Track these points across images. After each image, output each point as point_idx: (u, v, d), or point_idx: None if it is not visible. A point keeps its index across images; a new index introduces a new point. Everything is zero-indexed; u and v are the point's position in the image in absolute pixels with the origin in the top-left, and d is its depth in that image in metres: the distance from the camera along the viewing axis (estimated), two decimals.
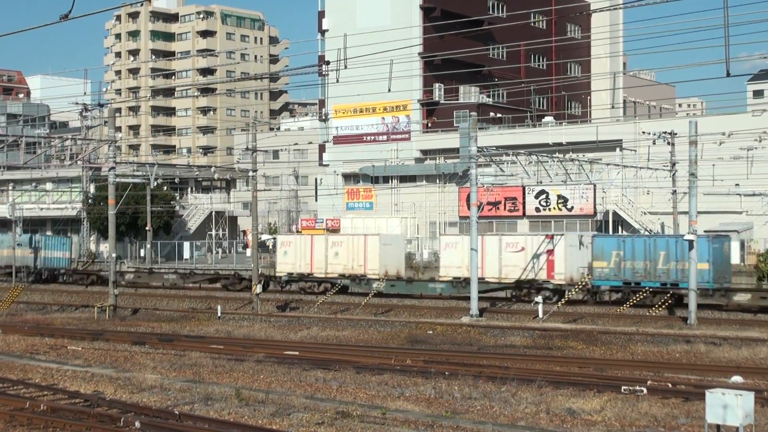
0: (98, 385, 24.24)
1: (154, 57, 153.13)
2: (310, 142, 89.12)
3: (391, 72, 45.55)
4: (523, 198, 72.04)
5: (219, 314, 45.19)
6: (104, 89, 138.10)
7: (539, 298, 43.44)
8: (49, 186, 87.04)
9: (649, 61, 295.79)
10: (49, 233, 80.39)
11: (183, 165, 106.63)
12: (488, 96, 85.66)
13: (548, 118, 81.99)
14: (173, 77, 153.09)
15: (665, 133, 55.42)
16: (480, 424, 19.26)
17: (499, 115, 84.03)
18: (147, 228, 70.96)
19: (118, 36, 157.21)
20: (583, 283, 44.58)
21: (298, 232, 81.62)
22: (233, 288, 56.73)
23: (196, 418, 19.53)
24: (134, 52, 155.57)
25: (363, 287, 51.08)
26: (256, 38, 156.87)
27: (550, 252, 45.26)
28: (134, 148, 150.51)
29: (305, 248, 52.79)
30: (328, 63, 45.21)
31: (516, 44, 78.15)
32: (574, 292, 44.34)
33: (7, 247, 67.19)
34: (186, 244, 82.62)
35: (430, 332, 38.28)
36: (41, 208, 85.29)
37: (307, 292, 52.21)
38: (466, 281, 46.62)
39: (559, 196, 70.51)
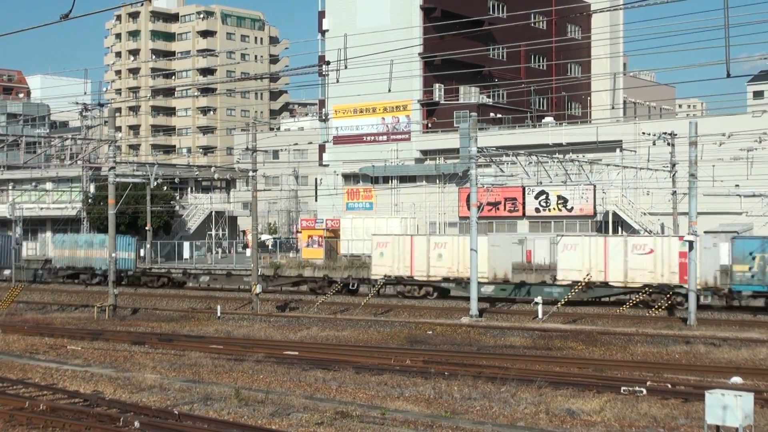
0: (98, 384, 24.24)
1: (154, 57, 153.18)
2: (310, 142, 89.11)
3: (391, 72, 45.54)
4: (523, 198, 72.03)
5: (219, 314, 45.21)
6: (104, 89, 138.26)
7: (539, 299, 43.38)
8: (49, 186, 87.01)
9: (649, 61, 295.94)
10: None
11: (183, 165, 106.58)
12: (488, 96, 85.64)
13: (548, 119, 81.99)
14: (173, 77, 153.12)
15: (665, 133, 55.43)
16: (479, 424, 19.25)
17: (499, 115, 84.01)
18: (147, 228, 70.89)
19: (118, 36, 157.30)
20: (721, 288, 42.47)
21: (298, 232, 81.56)
22: (321, 291, 53.41)
23: (195, 418, 19.53)
24: (134, 52, 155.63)
25: (469, 291, 48.30)
26: (256, 38, 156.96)
27: (683, 254, 42.35)
28: (134, 147, 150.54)
29: (404, 249, 50.38)
30: (328, 63, 45.23)
31: (516, 45, 78.15)
32: (710, 298, 42.38)
33: (69, 248, 64.89)
34: (186, 244, 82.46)
35: (430, 332, 38.29)
36: (41, 208, 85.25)
37: (406, 296, 50.08)
38: (588, 285, 44.95)
39: (559, 197, 70.50)
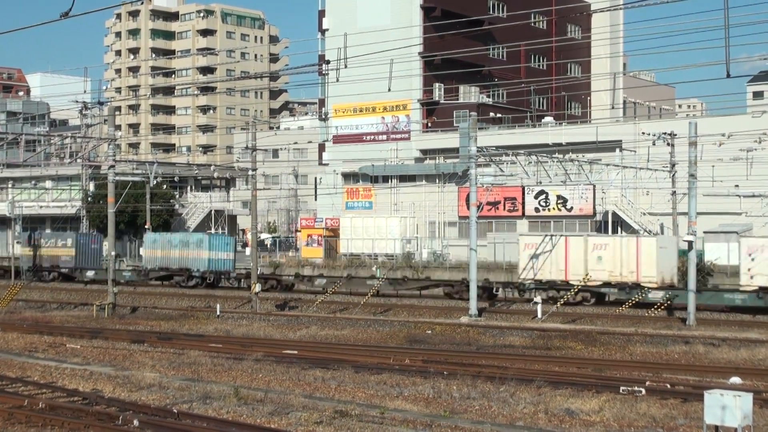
0: (97, 383, 24.22)
1: (154, 55, 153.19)
2: (310, 141, 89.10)
3: (391, 71, 45.54)
4: (523, 198, 71.99)
5: (218, 313, 45.20)
6: (104, 87, 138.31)
7: (538, 298, 43.36)
8: (48, 184, 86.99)
9: (649, 61, 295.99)
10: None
11: (182, 163, 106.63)
12: (488, 96, 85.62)
13: (548, 119, 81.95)
14: (173, 76, 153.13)
15: (665, 133, 55.43)
16: (478, 423, 19.24)
17: (498, 115, 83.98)
18: (146, 226, 70.89)
19: (118, 34, 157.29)
20: None
21: (297, 231, 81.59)
22: (457, 297, 50.04)
23: (194, 417, 19.52)
24: (134, 51, 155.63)
25: (634, 297, 44.25)
26: (256, 37, 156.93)
27: None
28: (134, 146, 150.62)
29: (558, 251, 46.75)
30: (328, 62, 45.28)
31: (516, 44, 78.09)
32: None
33: (161, 248, 60.39)
34: None
35: (429, 332, 38.29)
36: (40, 206, 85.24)
37: (573, 303, 45.73)
38: None
39: (559, 197, 70.46)
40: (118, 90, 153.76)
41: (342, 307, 47.86)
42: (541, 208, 71.70)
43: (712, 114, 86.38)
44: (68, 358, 29.56)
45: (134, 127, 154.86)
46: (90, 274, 64.68)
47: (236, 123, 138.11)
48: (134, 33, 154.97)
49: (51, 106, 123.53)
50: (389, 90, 49.40)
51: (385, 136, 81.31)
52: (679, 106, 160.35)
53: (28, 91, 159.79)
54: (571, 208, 70.25)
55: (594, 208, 69.38)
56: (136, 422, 18.52)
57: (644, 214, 67.70)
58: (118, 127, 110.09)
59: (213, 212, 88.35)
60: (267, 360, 28.85)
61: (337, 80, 47.82)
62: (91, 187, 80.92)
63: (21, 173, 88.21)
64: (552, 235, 49.30)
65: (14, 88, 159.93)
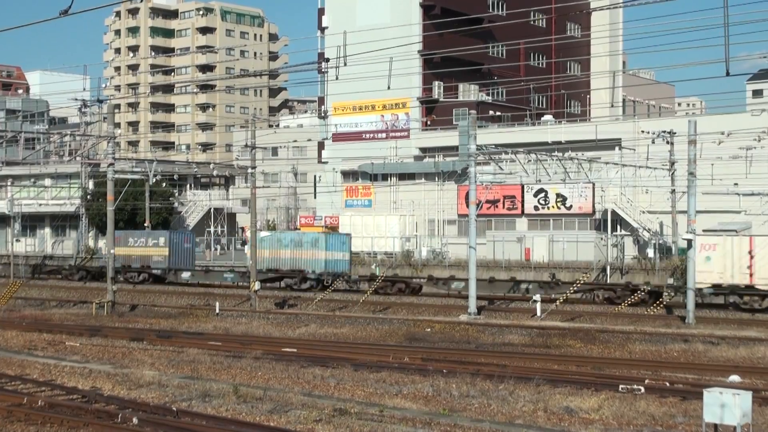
0: (96, 381, 24.23)
1: (153, 53, 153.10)
2: (309, 140, 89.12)
3: (390, 69, 45.56)
4: (522, 196, 71.99)
5: (217, 311, 45.21)
6: (103, 85, 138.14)
7: (537, 296, 43.38)
8: (47, 182, 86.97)
9: (648, 60, 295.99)
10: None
11: (182, 161, 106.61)
12: (487, 94, 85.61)
13: (547, 117, 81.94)
14: (173, 74, 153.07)
15: (664, 132, 55.51)
16: (478, 422, 19.24)
17: (498, 113, 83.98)
18: (146, 224, 70.89)
19: (117, 32, 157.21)
20: None
21: (296, 229, 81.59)
22: (620, 302, 44.55)
23: (193, 415, 19.52)
24: (134, 49, 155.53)
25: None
26: (255, 35, 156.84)
27: None
28: (133, 144, 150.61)
29: (741, 252, 42.27)
30: (327, 60, 45.37)
31: (516, 42, 78.11)
32: None
33: (269, 247, 55.91)
34: None
35: (429, 330, 38.30)
36: (40, 204, 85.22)
37: (743, 309, 42.13)
38: None
39: (558, 195, 70.46)
40: (118, 88, 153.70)
41: (341, 305, 47.87)
42: (540, 206, 71.70)
43: (712, 112, 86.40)
44: (67, 356, 29.56)
45: (133, 125, 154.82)
46: (185, 275, 60.05)
47: (235, 121, 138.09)
48: (134, 31, 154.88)
49: (50, 103, 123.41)
50: (389, 88, 49.43)
51: (384, 134, 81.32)
52: (679, 104, 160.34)
53: (27, 89, 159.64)
54: (571, 206, 70.25)
55: (593, 206, 69.38)
56: (135, 420, 18.53)
57: (643, 212, 67.72)
58: (118, 125, 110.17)
59: (212, 210, 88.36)
60: (266, 358, 28.86)
61: (337, 78, 47.83)
62: (91, 185, 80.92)
63: (20, 171, 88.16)
64: (734, 236, 45.62)
65: (13, 85, 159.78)
